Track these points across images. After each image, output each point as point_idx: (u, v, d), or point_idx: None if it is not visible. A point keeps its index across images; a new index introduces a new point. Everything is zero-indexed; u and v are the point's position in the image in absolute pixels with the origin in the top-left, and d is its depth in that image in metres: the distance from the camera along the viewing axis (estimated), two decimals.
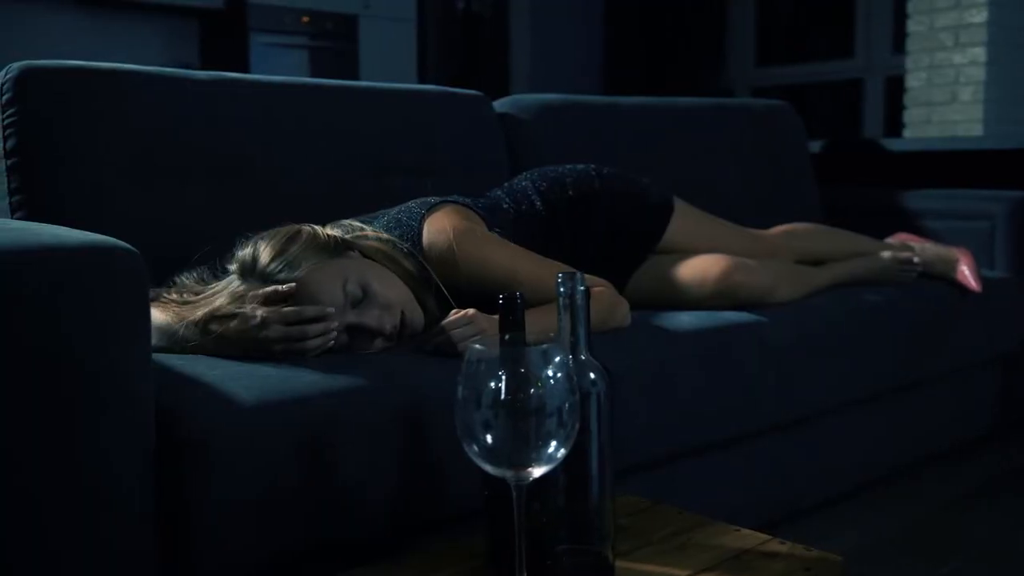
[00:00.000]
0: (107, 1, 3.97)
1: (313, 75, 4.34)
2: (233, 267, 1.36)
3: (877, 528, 1.94)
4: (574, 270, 1.56)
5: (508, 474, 0.89)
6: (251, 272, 1.33)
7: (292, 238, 1.35)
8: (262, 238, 1.37)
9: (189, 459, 1.06)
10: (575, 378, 0.91)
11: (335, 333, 1.28)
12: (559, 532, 1.04)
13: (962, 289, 2.21)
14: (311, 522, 1.16)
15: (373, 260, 1.44)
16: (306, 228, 1.39)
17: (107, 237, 1.05)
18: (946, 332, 2.19)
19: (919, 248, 2.23)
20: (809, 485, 1.94)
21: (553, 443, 0.89)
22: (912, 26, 3.72)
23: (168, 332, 1.30)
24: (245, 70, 4.11)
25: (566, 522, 1.04)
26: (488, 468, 0.89)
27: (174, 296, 1.37)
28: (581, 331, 1.03)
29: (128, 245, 1.03)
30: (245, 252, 1.35)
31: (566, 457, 1.02)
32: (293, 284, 1.30)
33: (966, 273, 2.19)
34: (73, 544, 0.99)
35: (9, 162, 1.50)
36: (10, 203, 1.50)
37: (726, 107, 2.64)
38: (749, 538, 1.14)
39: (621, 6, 5.30)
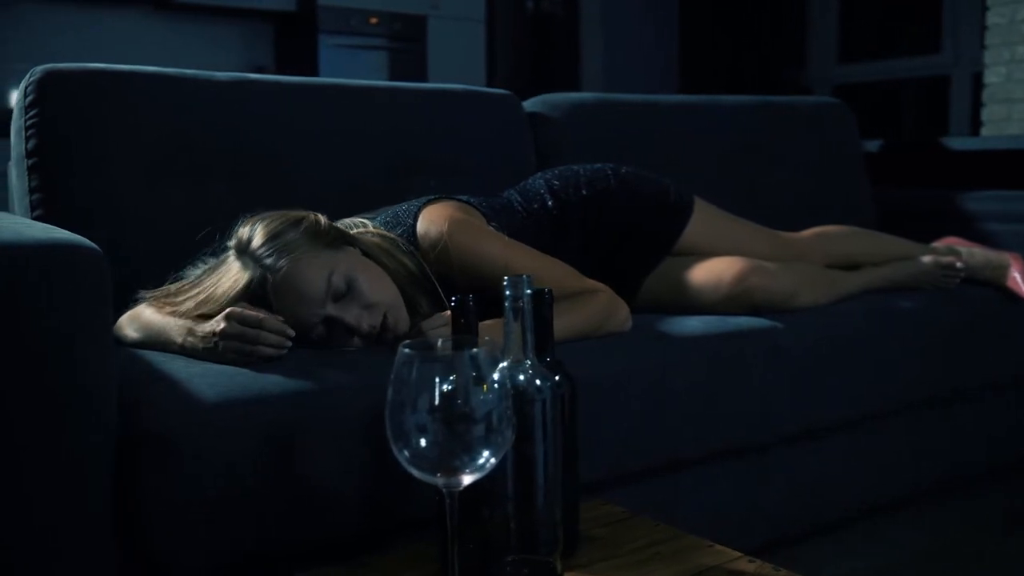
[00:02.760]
0: (184, 6, 4.09)
1: (388, 77, 4.37)
2: (232, 243, 1.37)
3: (895, 551, 1.83)
4: (569, 266, 1.55)
5: (439, 481, 0.88)
6: (244, 251, 1.34)
7: (292, 224, 1.35)
8: (263, 218, 1.37)
9: (148, 452, 1.08)
10: (509, 384, 0.89)
11: (287, 351, 1.26)
12: (507, 540, 1.02)
13: (1012, 296, 2.08)
14: (276, 522, 1.16)
15: (372, 257, 1.43)
16: (310, 216, 1.38)
17: (70, 234, 1.07)
18: (988, 342, 2.06)
19: (966, 252, 2.10)
20: (823, 502, 1.84)
21: (485, 452, 0.87)
22: (991, 18, 3.53)
23: (156, 332, 1.33)
24: (314, 72, 4.18)
25: (515, 531, 1.02)
26: (416, 473, 0.87)
27: (168, 291, 1.38)
28: (529, 336, 1.01)
29: (89, 242, 1.05)
30: (244, 230, 1.36)
31: (514, 465, 1.01)
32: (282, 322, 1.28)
33: (1017, 280, 2.06)
34: (29, 542, 1.01)
35: (30, 162, 1.55)
36: (29, 202, 1.55)
37: (772, 105, 2.55)
38: (719, 555, 1.10)
39: (697, 4, 5.18)
